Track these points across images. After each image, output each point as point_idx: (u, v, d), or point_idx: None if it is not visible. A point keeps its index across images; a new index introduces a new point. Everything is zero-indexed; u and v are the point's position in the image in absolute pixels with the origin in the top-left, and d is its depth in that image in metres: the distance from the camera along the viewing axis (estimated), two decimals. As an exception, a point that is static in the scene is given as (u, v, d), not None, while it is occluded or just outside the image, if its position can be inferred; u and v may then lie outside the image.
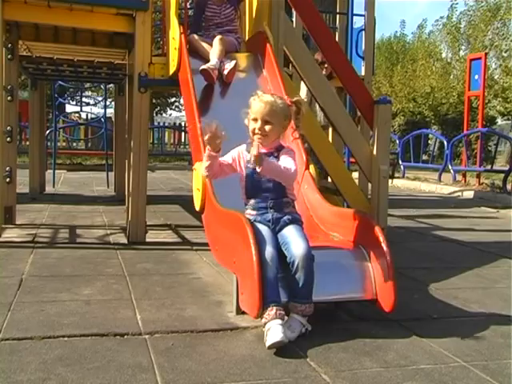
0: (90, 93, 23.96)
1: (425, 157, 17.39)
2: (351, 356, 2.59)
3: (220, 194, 3.49)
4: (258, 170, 2.92)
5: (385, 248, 2.99)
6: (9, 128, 5.31)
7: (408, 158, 14.73)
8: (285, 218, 3.05)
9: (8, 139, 5.30)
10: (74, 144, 21.39)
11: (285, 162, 3.03)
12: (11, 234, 5.15)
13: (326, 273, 2.99)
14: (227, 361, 2.49)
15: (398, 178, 13.26)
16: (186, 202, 7.19)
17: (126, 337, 2.74)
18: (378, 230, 3.08)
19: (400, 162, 14.24)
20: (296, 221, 3.08)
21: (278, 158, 3.08)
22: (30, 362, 2.38)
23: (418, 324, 3.08)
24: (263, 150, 3.08)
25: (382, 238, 3.03)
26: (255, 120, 3.09)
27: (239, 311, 3.06)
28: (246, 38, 5.40)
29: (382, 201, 5.01)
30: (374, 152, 5.04)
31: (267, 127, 3.08)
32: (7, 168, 5.36)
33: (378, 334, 2.89)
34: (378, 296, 3.02)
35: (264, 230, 2.96)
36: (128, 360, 2.45)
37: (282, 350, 2.59)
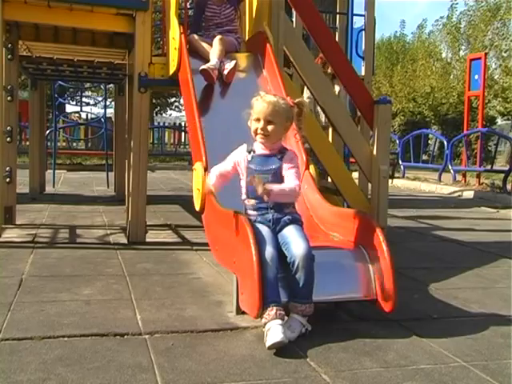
0: (89, 93, 23.99)
1: (425, 157, 17.40)
2: (351, 356, 2.59)
3: (220, 194, 3.49)
4: (266, 199, 2.96)
5: (385, 248, 2.99)
6: (9, 128, 5.31)
7: (408, 158, 14.73)
8: (285, 218, 3.04)
9: (8, 139, 5.30)
10: (74, 144, 21.40)
11: (288, 179, 3.03)
12: (11, 234, 5.15)
13: (326, 273, 2.99)
14: (227, 361, 2.49)
15: (398, 178, 13.26)
16: (185, 202, 7.19)
17: (126, 337, 2.74)
18: (378, 230, 3.08)
19: (400, 162, 14.25)
20: (296, 221, 3.08)
21: (281, 160, 3.08)
22: (30, 362, 2.38)
23: (417, 324, 3.08)
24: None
25: (381, 238, 3.03)
26: (258, 120, 3.09)
27: (239, 311, 3.05)
28: (246, 38, 5.40)
29: (381, 201, 5.02)
30: (374, 152, 5.04)
31: (270, 127, 3.06)
32: (7, 168, 5.36)
33: (378, 334, 2.89)
34: (378, 296, 3.02)
35: (264, 230, 2.96)
36: (128, 360, 2.45)
37: (281, 350, 2.59)
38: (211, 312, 3.15)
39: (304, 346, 2.68)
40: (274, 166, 3.07)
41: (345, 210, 3.98)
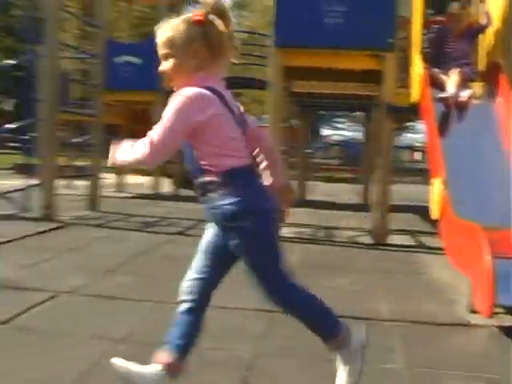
0: (342, 119, 24.57)
1: None
2: None
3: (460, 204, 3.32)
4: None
5: None
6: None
7: None
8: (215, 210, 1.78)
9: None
10: (329, 161, 22.08)
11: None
12: (284, 231, 5.44)
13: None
14: (459, 352, 2.35)
15: None
16: (422, 210, 6.93)
17: (372, 321, 2.70)
18: None
19: None
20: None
21: None
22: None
23: None
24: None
25: None
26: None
27: (472, 310, 2.86)
28: (481, 69, 5.06)
29: None
30: None
31: (167, 63, 1.74)
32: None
33: None
34: None
35: None
36: (377, 341, 2.42)
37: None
38: (446, 309, 3.01)
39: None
40: None
41: None
